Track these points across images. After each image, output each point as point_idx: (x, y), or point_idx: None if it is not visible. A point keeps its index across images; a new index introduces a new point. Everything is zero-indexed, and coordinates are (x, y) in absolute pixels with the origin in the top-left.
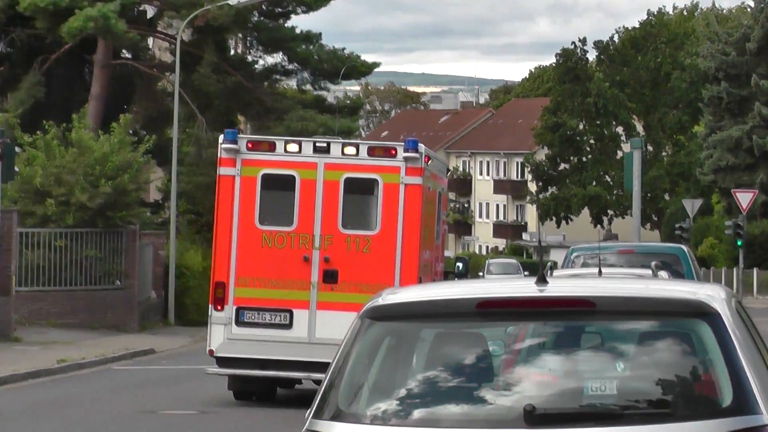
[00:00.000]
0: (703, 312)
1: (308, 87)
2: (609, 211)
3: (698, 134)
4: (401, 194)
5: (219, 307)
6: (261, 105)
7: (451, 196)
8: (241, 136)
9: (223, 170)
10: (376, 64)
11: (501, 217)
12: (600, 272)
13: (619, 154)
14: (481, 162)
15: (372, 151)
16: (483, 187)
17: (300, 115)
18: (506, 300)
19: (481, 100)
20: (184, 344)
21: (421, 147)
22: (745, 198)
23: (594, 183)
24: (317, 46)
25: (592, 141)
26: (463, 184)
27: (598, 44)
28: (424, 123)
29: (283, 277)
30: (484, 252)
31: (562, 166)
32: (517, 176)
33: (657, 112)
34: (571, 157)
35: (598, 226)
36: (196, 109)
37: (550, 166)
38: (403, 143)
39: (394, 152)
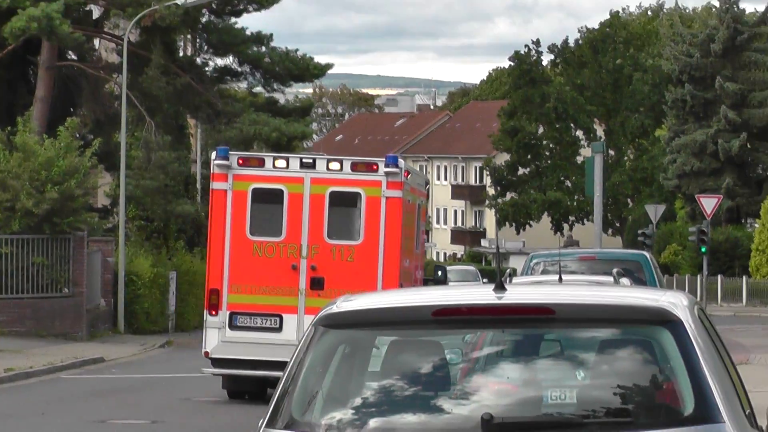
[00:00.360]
0: (665, 319)
1: (260, 89)
2: (570, 217)
3: (661, 138)
4: (383, 207)
5: (213, 312)
6: (211, 108)
7: None
8: (232, 153)
9: (215, 185)
10: (329, 66)
11: (459, 223)
12: (560, 279)
13: (580, 158)
14: (438, 167)
15: (355, 167)
16: (440, 193)
17: (252, 119)
18: (463, 307)
19: (438, 103)
20: (134, 353)
21: (401, 162)
22: (709, 203)
23: (554, 188)
24: (269, 47)
25: (551, 145)
26: None
27: (552, 48)
28: (380, 126)
29: (273, 284)
30: (442, 259)
31: (522, 170)
32: (476, 181)
33: (619, 116)
34: (531, 162)
35: (559, 232)
36: (145, 111)
37: (509, 171)
38: (384, 159)
39: (375, 167)
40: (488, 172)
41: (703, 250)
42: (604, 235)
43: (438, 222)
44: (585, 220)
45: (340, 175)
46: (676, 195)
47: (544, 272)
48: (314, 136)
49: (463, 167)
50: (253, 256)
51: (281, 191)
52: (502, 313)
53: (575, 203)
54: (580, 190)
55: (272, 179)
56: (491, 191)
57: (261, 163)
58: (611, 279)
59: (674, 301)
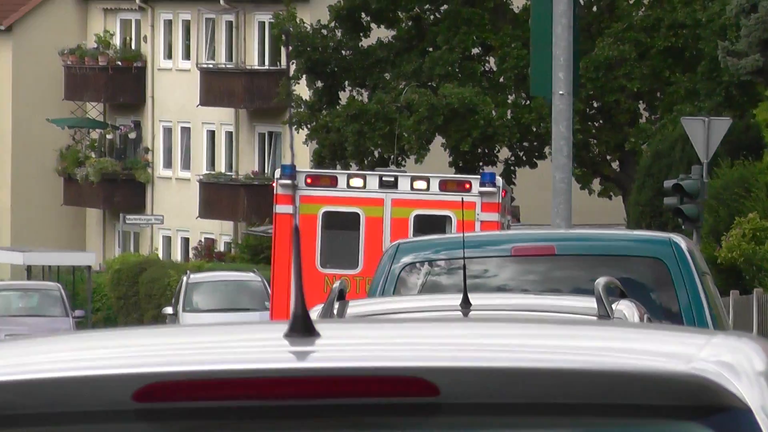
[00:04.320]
0: (707, 404)
1: None
2: (495, 148)
3: None
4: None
5: None
6: None
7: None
8: (299, 170)
9: (279, 208)
10: None
11: (223, 169)
12: (465, 304)
13: (518, 4)
14: (167, 22)
15: (444, 186)
16: (182, 90)
17: None
18: (209, 380)
19: None
20: None
21: (499, 180)
22: None
23: (456, 78)
24: None
25: None
26: (127, 75)
27: None
28: None
29: None
30: (179, 251)
31: (376, 36)
32: (261, 61)
33: None
34: (396, 10)
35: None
36: None
37: (337, 33)
38: (478, 177)
39: (468, 186)
40: (284, 40)
41: None
42: (579, 193)
43: (176, 164)
44: (534, 156)
45: (427, 196)
46: (759, 92)
47: (428, 287)
48: None
49: (229, 25)
50: (324, 293)
51: (357, 215)
52: (305, 394)
53: (509, 115)
54: (519, 81)
55: (347, 201)
56: (302, 92)
57: (333, 182)
58: (592, 303)
59: (729, 360)
